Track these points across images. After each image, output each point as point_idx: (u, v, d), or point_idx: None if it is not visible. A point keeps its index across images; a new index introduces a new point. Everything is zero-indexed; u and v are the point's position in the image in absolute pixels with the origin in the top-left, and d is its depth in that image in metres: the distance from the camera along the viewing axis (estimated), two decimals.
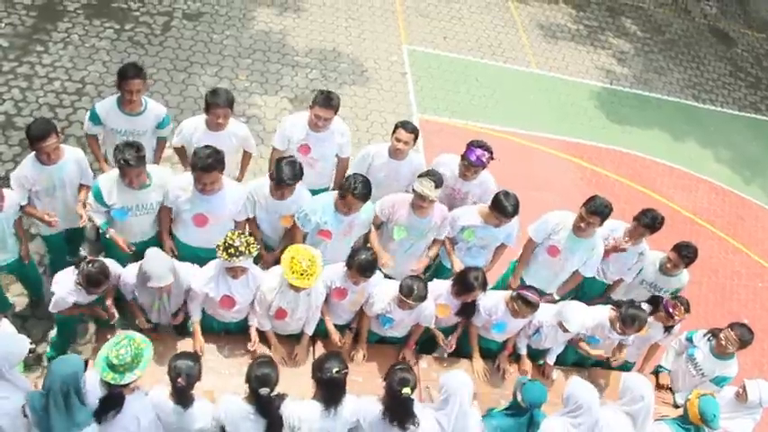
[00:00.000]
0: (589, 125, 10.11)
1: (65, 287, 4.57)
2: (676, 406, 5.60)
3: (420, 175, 5.26)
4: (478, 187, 5.89)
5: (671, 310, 5.41)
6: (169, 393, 4.16)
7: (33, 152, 4.90)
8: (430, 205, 5.32)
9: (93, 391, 3.95)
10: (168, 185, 5.04)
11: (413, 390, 4.24)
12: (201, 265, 4.89)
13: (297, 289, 4.62)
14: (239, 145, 5.74)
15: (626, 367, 5.86)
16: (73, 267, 4.56)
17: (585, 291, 6.22)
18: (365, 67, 9.70)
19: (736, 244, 9.10)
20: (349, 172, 5.90)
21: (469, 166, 5.66)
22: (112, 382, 3.87)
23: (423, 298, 4.83)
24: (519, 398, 4.56)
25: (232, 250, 4.44)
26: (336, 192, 5.22)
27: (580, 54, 11.53)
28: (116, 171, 4.86)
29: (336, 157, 5.95)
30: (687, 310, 5.49)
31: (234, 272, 4.63)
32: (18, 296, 5.84)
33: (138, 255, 4.97)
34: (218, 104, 5.28)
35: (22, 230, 5.18)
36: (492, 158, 5.70)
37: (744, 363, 6.38)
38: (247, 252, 4.50)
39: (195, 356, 4.29)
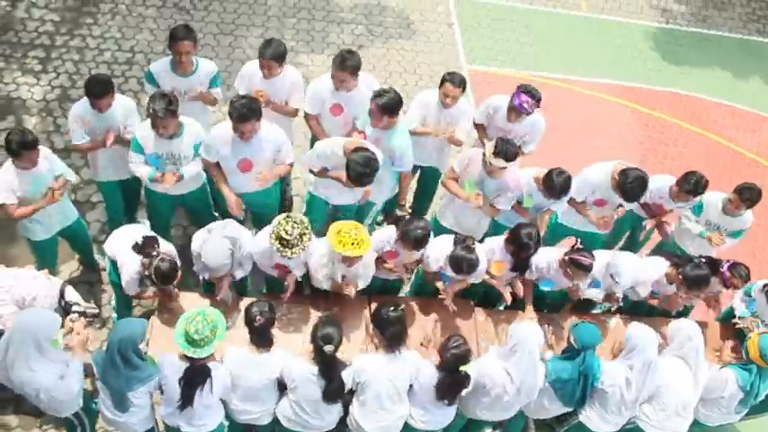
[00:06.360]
0: (644, 68, 9.75)
1: (131, 270, 4.64)
2: None
3: (495, 151, 5.10)
4: (527, 128, 5.85)
5: (728, 282, 5.26)
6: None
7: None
8: (501, 171, 5.21)
9: (171, 377, 4.16)
10: (200, 138, 5.16)
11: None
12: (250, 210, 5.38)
13: (351, 261, 4.64)
14: (291, 90, 5.72)
15: (685, 312, 5.77)
16: (136, 254, 4.56)
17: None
18: (411, 20, 9.53)
19: None
20: (407, 116, 5.83)
21: (512, 110, 5.63)
22: (195, 356, 4.05)
23: (474, 267, 4.78)
24: (572, 340, 4.59)
25: (284, 242, 4.46)
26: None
27: None
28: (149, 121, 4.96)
29: None
30: (746, 280, 5.32)
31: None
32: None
33: (186, 205, 5.69)
34: (263, 56, 5.42)
35: None
36: (538, 106, 5.63)
37: None
38: (300, 244, 4.49)
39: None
